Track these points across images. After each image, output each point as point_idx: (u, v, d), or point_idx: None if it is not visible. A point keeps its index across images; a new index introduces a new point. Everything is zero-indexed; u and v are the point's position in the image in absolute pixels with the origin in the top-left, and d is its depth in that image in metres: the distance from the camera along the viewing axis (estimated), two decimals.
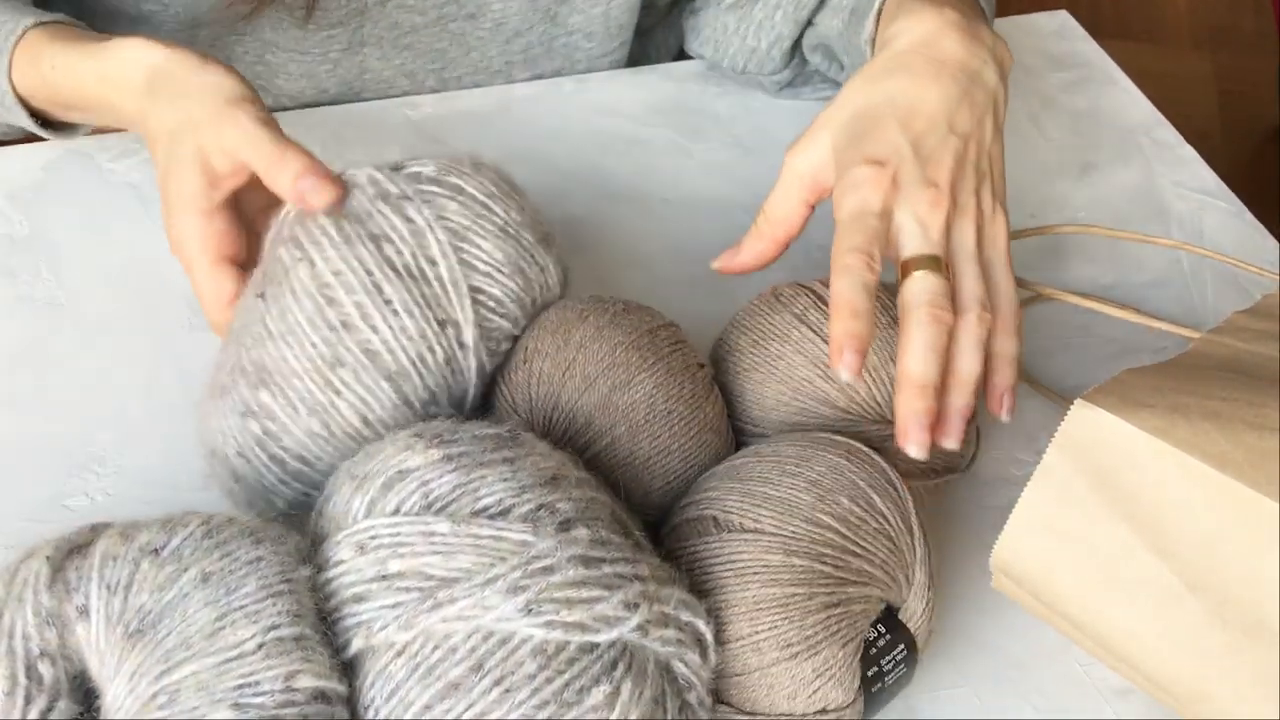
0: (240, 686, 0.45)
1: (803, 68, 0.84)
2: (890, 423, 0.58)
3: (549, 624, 0.46)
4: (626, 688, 0.46)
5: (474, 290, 0.57)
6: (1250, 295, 0.76)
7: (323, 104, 0.85)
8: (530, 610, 0.45)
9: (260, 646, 0.46)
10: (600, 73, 0.90)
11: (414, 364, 0.56)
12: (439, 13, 0.83)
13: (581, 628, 0.46)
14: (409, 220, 0.57)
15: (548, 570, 0.46)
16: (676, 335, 0.60)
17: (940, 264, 0.57)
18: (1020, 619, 0.58)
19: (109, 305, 0.71)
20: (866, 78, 0.63)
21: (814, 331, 0.59)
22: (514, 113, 0.86)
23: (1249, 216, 0.82)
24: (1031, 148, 0.87)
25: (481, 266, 0.58)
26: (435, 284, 0.57)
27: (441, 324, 0.56)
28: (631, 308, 0.60)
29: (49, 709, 0.46)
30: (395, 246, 0.56)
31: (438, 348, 0.56)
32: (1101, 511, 0.50)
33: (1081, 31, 0.97)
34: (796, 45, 0.82)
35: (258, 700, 0.45)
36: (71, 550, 0.48)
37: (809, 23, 0.81)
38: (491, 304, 0.58)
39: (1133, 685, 0.55)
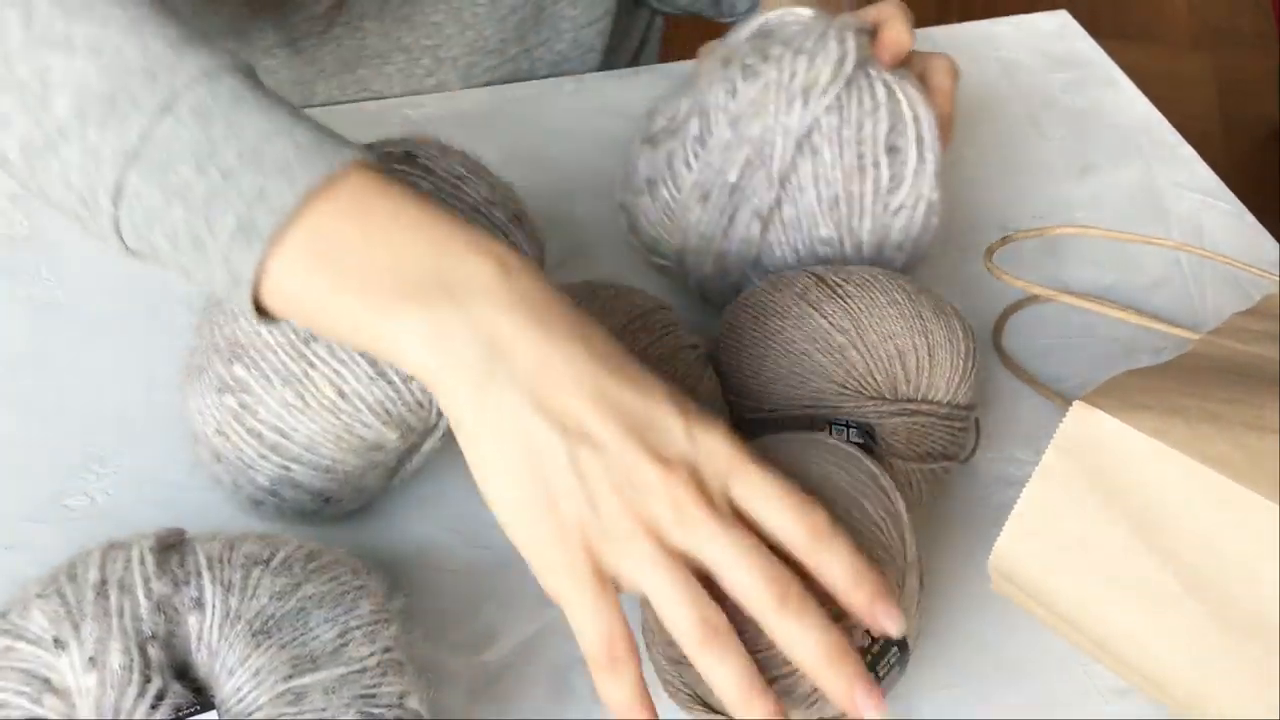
0: (362, 697, 0.47)
1: None
2: (887, 400, 0.58)
3: None
4: None
5: None
6: (1250, 295, 0.76)
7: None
8: None
9: (379, 664, 0.48)
10: (600, 73, 0.90)
11: None
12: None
13: None
14: None
15: None
16: (669, 317, 0.61)
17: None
18: (1020, 619, 0.58)
19: (109, 305, 0.71)
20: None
21: (813, 308, 0.60)
22: (514, 113, 0.86)
23: (1249, 216, 0.82)
24: (1031, 148, 0.87)
25: None
26: None
27: None
28: (624, 292, 0.61)
29: (164, 689, 0.46)
30: None
31: None
32: (1100, 513, 0.50)
33: (1081, 31, 0.98)
34: None
35: (377, 712, 0.46)
36: (165, 548, 0.49)
37: None
38: None
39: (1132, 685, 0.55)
